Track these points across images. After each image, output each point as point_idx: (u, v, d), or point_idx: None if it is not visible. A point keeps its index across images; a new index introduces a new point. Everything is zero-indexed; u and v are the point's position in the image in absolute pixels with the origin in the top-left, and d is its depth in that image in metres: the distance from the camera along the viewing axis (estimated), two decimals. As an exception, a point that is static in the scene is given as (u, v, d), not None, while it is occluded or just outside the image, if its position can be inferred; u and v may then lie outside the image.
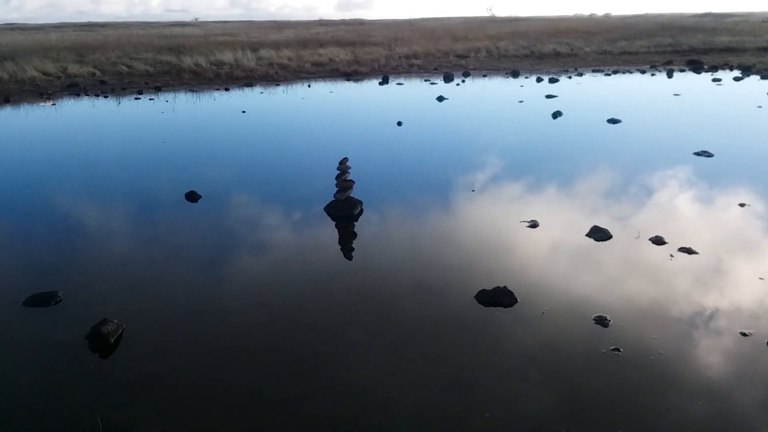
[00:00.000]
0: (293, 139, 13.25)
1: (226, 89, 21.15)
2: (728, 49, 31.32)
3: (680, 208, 7.92)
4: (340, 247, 6.89)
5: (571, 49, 31.83)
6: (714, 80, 21.50)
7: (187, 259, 6.59)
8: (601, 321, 4.98)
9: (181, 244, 7.05)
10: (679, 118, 14.87)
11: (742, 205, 7.81)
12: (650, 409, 3.92)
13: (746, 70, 23.89)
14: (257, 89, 21.28)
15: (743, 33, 36.24)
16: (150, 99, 19.07)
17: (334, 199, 8.01)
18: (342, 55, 28.87)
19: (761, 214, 7.54)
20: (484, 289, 5.47)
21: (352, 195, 8.09)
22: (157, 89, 21.09)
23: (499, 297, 5.38)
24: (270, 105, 18.07)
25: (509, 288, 5.42)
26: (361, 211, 7.92)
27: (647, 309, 5.23)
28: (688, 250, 6.35)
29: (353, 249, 6.80)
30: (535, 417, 3.87)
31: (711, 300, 5.35)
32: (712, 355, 4.52)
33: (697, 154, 10.59)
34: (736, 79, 21.87)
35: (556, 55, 30.84)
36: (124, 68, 24.59)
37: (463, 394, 4.11)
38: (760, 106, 15.53)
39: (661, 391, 4.10)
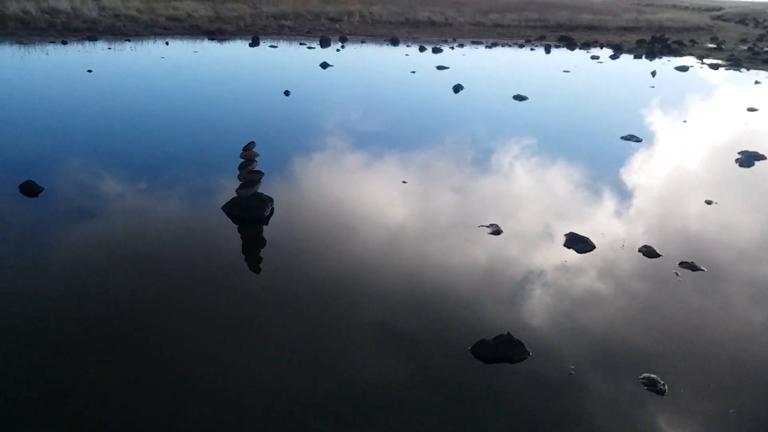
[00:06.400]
0: (159, 108, 10.71)
1: (64, 42, 17.60)
2: (592, 27, 32.22)
3: (640, 203, 6.92)
4: (247, 264, 5.03)
5: (446, 18, 30.99)
6: (593, 57, 21.49)
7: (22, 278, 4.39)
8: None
9: (11, 254, 4.78)
10: (582, 97, 14.25)
11: (708, 202, 6.97)
12: None
13: (617, 49, 24.23)
14: (103, 44, 17.96)
15: (602, 12, 37.64)
16: (-37, 50, 15.26)
17: (236, 195, 6.04)
18: (201, 10, 25.66)
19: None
20: (484, 339, 3.95)
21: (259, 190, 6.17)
22: (-27, 38, 17.06)
23: (504, 349, 3.90)
24: (122, 64, 15.08)
25: (514, 336, 3.95)
26: (272, 210, 6.06)
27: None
28: (692, 266, 5.27)
29: (261, 260, 4.97)
30: None
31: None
32: None
33: (625, 138, 9.79)
34: (612, 57, 22.07)
35: (432, 23, 29.85)
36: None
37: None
38: (652, 87, 15.35)
39: None
